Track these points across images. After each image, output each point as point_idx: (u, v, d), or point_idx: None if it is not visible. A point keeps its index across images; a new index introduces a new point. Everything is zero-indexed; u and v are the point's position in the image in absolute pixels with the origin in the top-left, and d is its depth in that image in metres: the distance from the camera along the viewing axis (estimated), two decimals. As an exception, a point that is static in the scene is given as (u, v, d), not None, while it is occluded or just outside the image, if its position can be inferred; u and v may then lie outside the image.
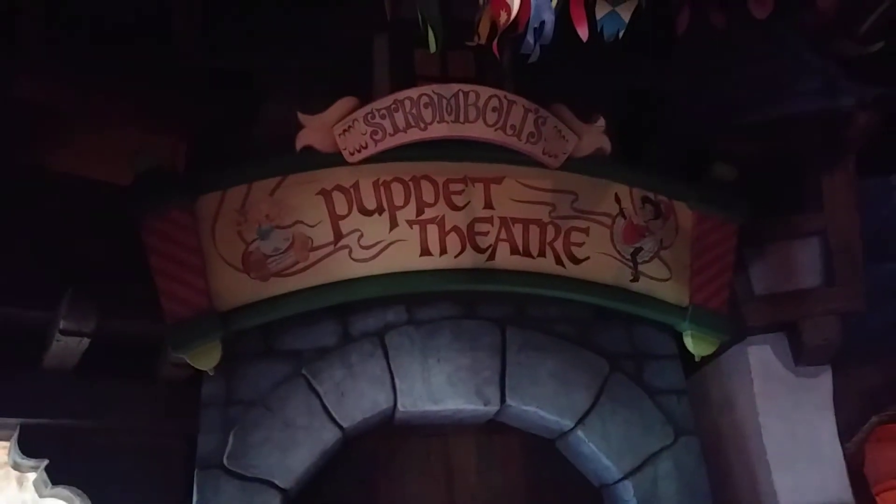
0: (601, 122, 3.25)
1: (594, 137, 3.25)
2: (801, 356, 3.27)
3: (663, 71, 3.68)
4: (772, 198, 3.39)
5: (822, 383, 3.26)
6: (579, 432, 3.17)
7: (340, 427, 3.02)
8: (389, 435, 3.26)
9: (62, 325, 2.59)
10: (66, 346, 2.66)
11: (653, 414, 3.25)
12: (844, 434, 3.18)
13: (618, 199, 3.29)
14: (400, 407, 3.09)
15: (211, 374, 2.86)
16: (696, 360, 3.23)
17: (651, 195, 3.32)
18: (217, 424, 2.95)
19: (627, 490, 3.13)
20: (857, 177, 3.32)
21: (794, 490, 3.13)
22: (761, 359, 3.35)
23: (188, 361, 2.81)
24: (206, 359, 2.82)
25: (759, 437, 3.23)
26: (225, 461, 2.87)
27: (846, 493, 3.10)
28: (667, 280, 3.26)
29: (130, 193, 2.83)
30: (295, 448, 2.95)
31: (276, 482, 2.88)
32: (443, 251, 3.08)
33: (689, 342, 3.21)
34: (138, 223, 2.82)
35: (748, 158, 3.41)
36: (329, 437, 3.00)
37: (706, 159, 3.44)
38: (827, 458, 3.16)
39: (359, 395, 3.08)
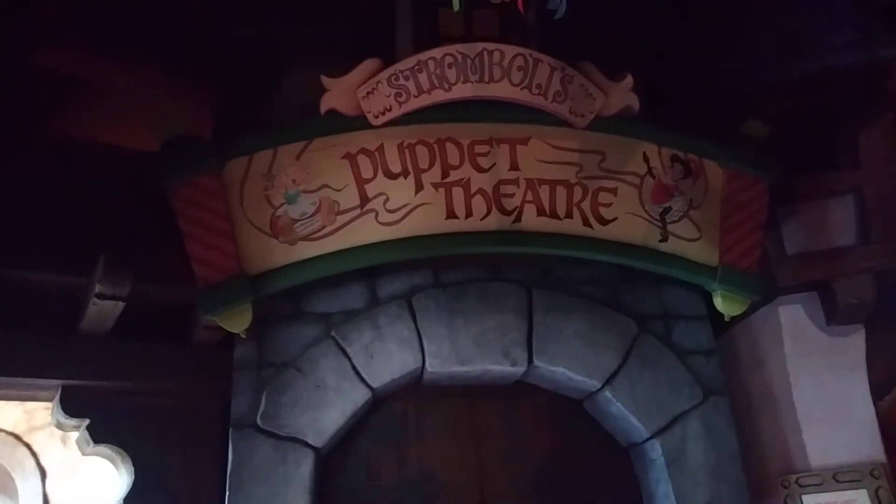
0: (629, 79, 3.18)
1: (622, 96, 3.19)
2: (834, 316, 3.22)
3: (693, 27, 3.57)
4: (805, 155, 3.32)
5: (855, 343, 3.21)
6: (607, 392, 3.18)
7: (370, 387, 3.07)
8: (417, 396, 3.30)
9: (97, 289, 2.67)
10: (102, 309, 2.74)
11: (681, 374, 3.24)
12: (877, 394, 3.14)
13: (646, 159, 3.23)
14: (428, 367, 3.12)
15: (243, 336, 2.91)
16: (726, 319, 3.20)
17: (680, 154, 3.26)
18: (250, 385, 3.01)
19: (655, 449, 3.13)
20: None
21: (824, 449, 3.11)
22: (793, 318, 3.31)
23: (220, 324, 2.86)
24: (238, 322, 2.87)
25: (790, 397, 3.21)
26: (258, 421, 2.94)
27: (878, 451, 3.08)
28: (696, 240, 3.22)
29: (158, 160, 2.86)
30: (326, 408, 3.01)
31: (308, 441, 2.95)
32: (468, 214, 3.07)
33: (718, 302, 3.18)
34: (167, 189, 2.87)
35: (781, 115, 3.32)
36: (359, 397, 3.06)
37: (737, 117, 3.36)
38: (859, 417, 3.13)
39: (387, 356, 3.11)
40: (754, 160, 3.25)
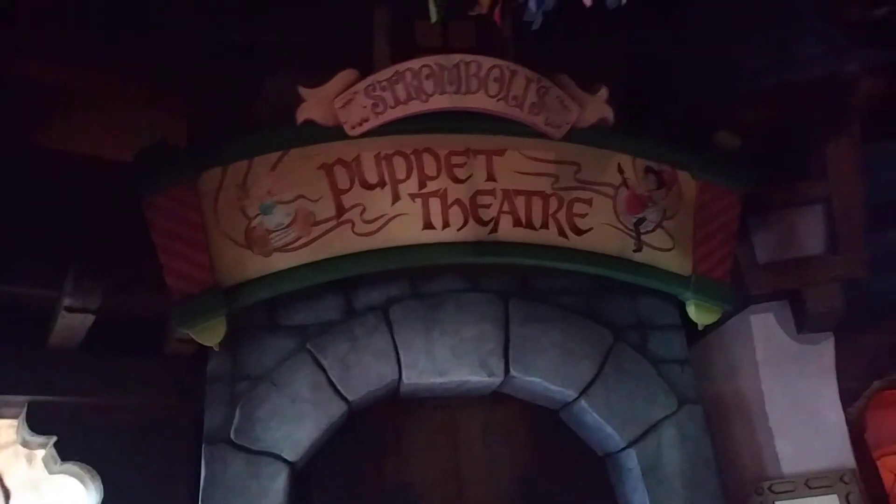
0: (603, 91, 3.21)
1: (597, 107, 3.21)
2: (804, 324, 3.28)
3: (665, 38, 3.63)
4: (775, 165, 3.37)
5: (825, 350, 3.27)
6: (583, 402, 3.19)
7: (346, 400, 3.04)
8: (395, 408, 3.29)
9: (67, 302, 2.61)
10: (71, 323, 2.68)
11: (656, 383, 3.26)
12: (847, 400, 3.20)
13: (620, 170, 3.27)
14: (405, 379, 3.11)
15: (216, 349, 2.87)
16: (699, 328, 3.24)
17: (654, 165, 3.30)
18: (224, 399, 2.97)
19: (631, 458, 3.15)
20: (861, 143, 3.29)
21: (796, 456, 3.16)
22: (764, 327, 3.36)
23: (193, 337, 2.82)
24: (211, 335, 2.83)
25: (762, 405, 3.26)
26: (232, 435, 2.90)
27: (848, 458, 3.13)
28: (670, 250, 3.26)
29: (132, 170, 2.81)
30: (301, 421, 2.97)
31: (284, 455, 2.91)
32: (445, 224, 3.07)
33: (691, 311, 3.22)
34: (141, 200, 2.82)
35: (752, 126, 3.37)
36: (335, 410, 3.03)
37: (709, 128, 3.41)
38: (829, 424, 3.19)
39: (364, 368, 3.09)
40: (726, 171, 3.30)
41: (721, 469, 3.17)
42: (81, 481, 2.95)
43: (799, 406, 3.21)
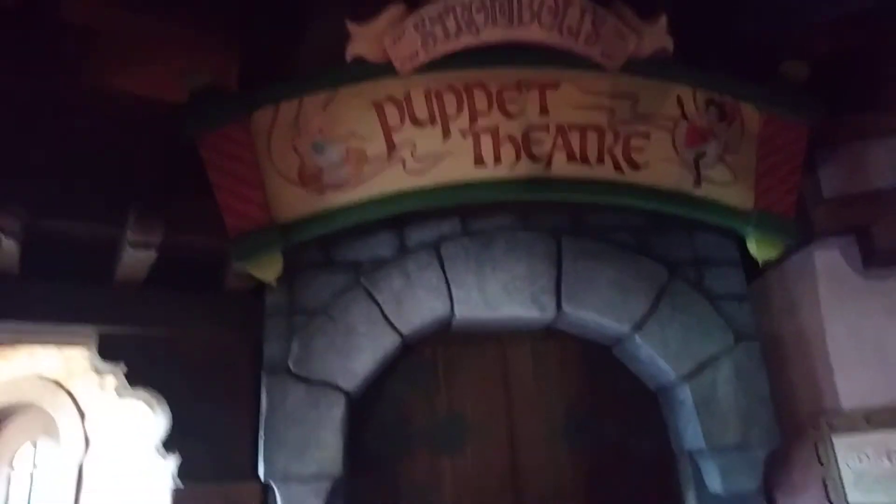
0: (663, 20, 3.07)
1: (656, 37, 3.08)
2: (871, 260, 3.15)
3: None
4: (846, 95, 3.18)
5: (892, 287, 3.15)
6: (637, 337, 3.19)
7: (400, 333, 3.11)
8: (447, 342, 3.35)
9: (130, 237, 2.70)
10: (136, 258, 2.78)
11: (713, 319, 3.23)
12: (914, 339, 3.10)
13: (680, 102, 3.14)
14: (457, 314, 3.15)
15: (274, 285, 2.95)
16: (760, 265, 3.15)
17: (716, 96, 3.16)
18: (282, 332, 3.07)
19: (685, 392, 3.15)
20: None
21: (856, 392, 3.08)
22: (828, 263, 3.23)
23: (251, 273, 2.90)
24: (268, 270, 2.90)
25: (823, 342, 3.17)
26: (291, 366, 3.01)
27: (913, 395, 3.05)
28: (731, 184, 3.15)
29: (186, 110, 2.86)
30: (357, 353, 3.06)
31: (340, 385, 3.01)
32: (497, 161, 3.04)
33: (752, 247, 3.13)
34: (196, 140, 2.87)
35: (822, 56, 3.18)
36: (389, 342, 3.10)
37: (776, 58, 3.23)
38: (893, 359, 3.08)
39: (416, 303, 3.14)
40: (793, 103, 3.14)
41: (778, 404, 3.14)
42: (150, 406, 3.12)
43: (861, 343, 3.11)
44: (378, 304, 3.13)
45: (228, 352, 3.12)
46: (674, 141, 3.13)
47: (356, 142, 2.98)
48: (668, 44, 3.08)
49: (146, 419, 3.50)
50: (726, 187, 3.15)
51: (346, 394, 3.02)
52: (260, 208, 2.88)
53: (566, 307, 3.19)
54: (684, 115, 3.14)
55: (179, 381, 3.02)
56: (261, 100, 2.93)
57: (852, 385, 3.10)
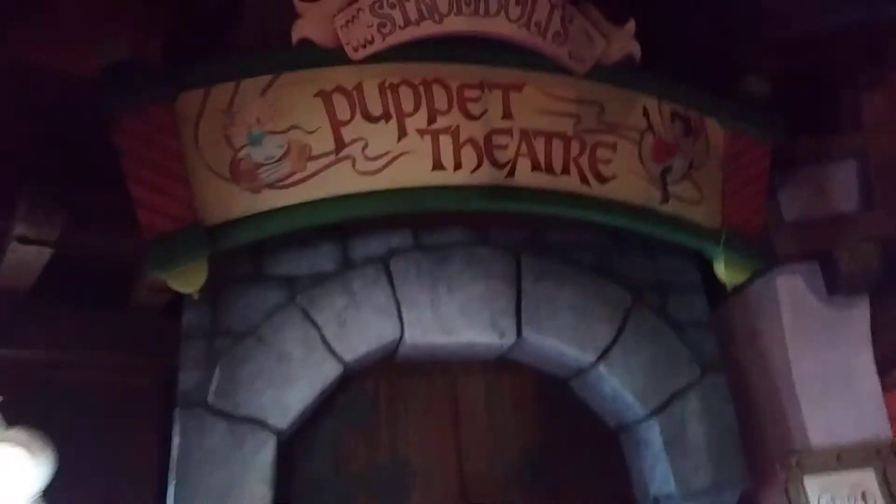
0: (631, 24, 2.93)
1: (624, 42, 2.93)
2: (836, 286, 3.06)
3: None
4: (804, 117, 3.16)
5: (859, 315, 3.06)
6: (601, 368, 2.91)
7: (342, 361, 2.70)
8: (390, 373, 2.96)
9: (19, 230, 2.18)
10: (24, 257, 2.26)
11: (678, 349, 3.00)
12: (883, 368, 3.00)
13: (646, 113, 2.99)
14: (407, 338, 2.77)
15: (196, 297, 2.48)
16: (728, 289, 2.99)
17: (681, 109, 3.04)
18: (201, 358, 2.59)
19: (652, 430, 2.89)
20: (901, 92, 3.10)
21: (826, 427, 2.94)
22: (792, 290, 3.13)
23: (169, 283, 2.43)
24: (191, 280, 2.44)
25: (789, 373, 3.03)
26: (210, 399, 2.53)
27: (884, 430, 2.93)
28: (698, 202, 2.99)
29: (99, 85, 2.41)
30: (290, 384, 2.62)
31: (270, 422, 2.56)
32: (457, 165, 2.74)
33: (720, 269, 2.96)
34: (109, 121, 2.42)
35: (779, 75, 3.15)
36: (329, 371, 2.68)
37: (733, 74, 3.17)
38: (863, 393, 2.98)
39: (362, 325, 2.75)
40: (757, 120, 3.06)
41: (744, 442, 2.93)
42: (29, 450, 2.53)
43: (830, 374, 2.99)
44: (317, 327, 2.71)
45: (133, 381, 2.62)
46: (640, 154, 2.96)
47: (299, 135, 2.61)
48: (636, 50, 2.94)
49: (23, 469, 2.88)
50: (693, 205, 3.00)
51: (277, 433, 2.57)
52: (183, 205, 2.44)
53: (526, 333, 2.88)
54: (650, 128, 2.98)
55: (70, 417, 2.47)
56: (189, 79, 2.52)
57: (822, 421, 2.97)
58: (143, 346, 2.65)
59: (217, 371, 2.57)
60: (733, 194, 3.00)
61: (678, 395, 2.94)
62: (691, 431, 2.89)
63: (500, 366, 3.08)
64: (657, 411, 2.90)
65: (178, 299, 2.60)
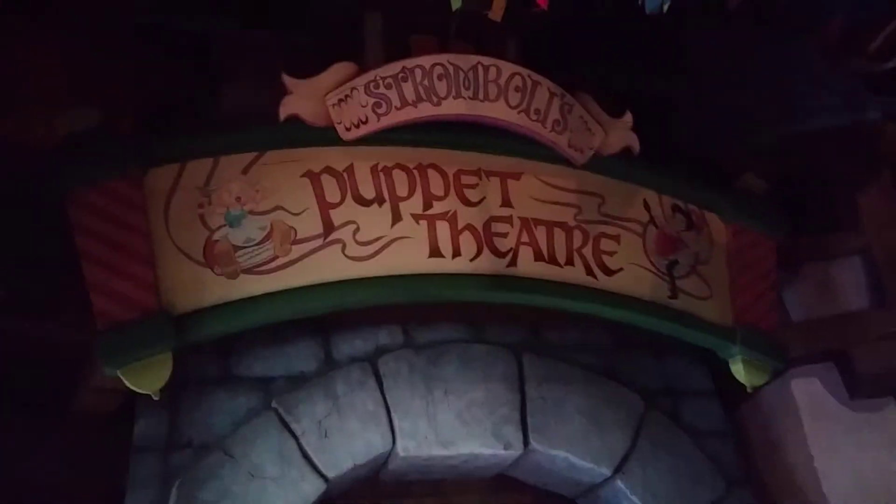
0: (629, 117, 2.84)
1: (622, 134, 2.82)
2: (857, 389, 2.86)
3: (671, 78, 3.37)
4: (803, 217, 3.09)
5: (887, 417, 2.84)
6: (619, 482, 2.57)
7: (324, 477, 2.29)
8: (372, 494, 2.56)
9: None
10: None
11: (699, 460, 2.71)
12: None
13: (647, 206, 2.85)
14: (400, 451, 2.39)
15: (156, 398, 2.08)
16: (749, 391, 2.73)
17: (681, 203, 2.92)
18: (155, 475, 2.17)
19: (681, 558, 2.54)
20: (897, 189, 3.07)
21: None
22: (809, 393, 2.89)
23: (125, 382, 2.03)
24: (151, 378, 2.06)
25: (818, 485, 2.73)
26: (164, 527, 2.09)
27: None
28: (708, 298, 2.81)
29: (57, 154, 2.13)
30: (263, 505, 2.20)
31: (237, 555, 2.12)
32: (456, 253, 2.50)
33: (738, 370, 2.72)
34: (64, 194, 2.11)
35: (774, 176, 3.11)
36: (310, 490, 2.27)
37: (730, 174, 3.11)
38: (902, 501, 2.70)
39: (347, 435, 2.37)
40: (758, 214, 2.96)
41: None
42: None
43: (862, 483, 2.71)
44: (295, 437, 2.32)
45: (69, 505, 2.12)
46: (645, 247, 2.79)
47: (284, 216, 2.34)
48: (634, 143, 2.83)
49: None
50: (703, 301, 2.80)
51: None
52: (146, 291, 2.10)
53: (535, 443, 2.53)
54: (653, 220, 2.84)
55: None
56: (162, 152, 2.26)
57: None
58: (86, 459, 2.19)
59: (174, 492, 2.13)
60: (744, 291, 2.83)
61: (705, 513, 2.61)
62: (725, 560, 2.55)
63: (498, 486, 2.72)
64: (686, 537, 2.55)
65: (128, 406, 2.20)
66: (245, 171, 2.36)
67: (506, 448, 2.50)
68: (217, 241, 2.26)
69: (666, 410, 2.80)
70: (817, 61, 3.25)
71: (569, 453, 2.56)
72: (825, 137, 3.11)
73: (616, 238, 2.76)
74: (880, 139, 3.06)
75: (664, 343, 2.88)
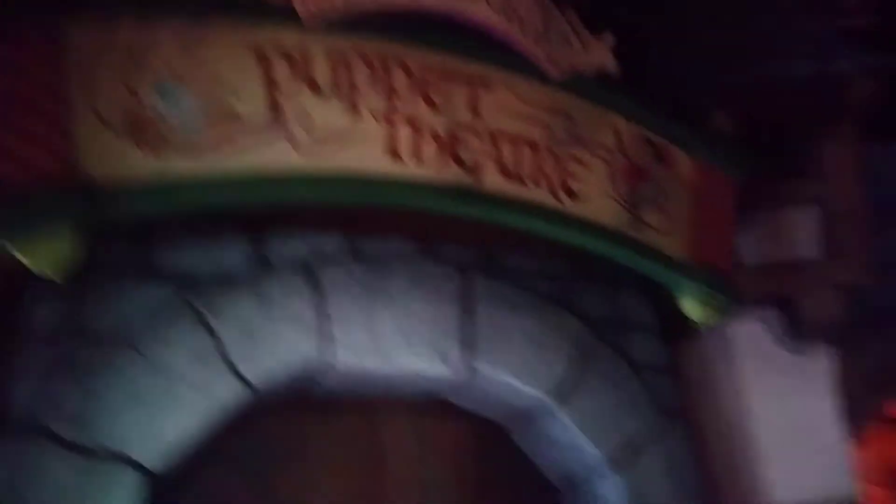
0: (609, 38, 2.66)
1: (600, 54, 2.63)
2: (798, 334, 2.87)
3: (648, 11, 3.21)
4: (765, 161, 3.03)
5: (823, 364, 2.89)
6: (557, 410, 2.51)
7: (246, 382, 2.11)
8: (300, 411, 2.41)
9: None
10: None
11: (640, 394, 2.67)
12: (848, 420, 2.81)
13: (617, 133, 2.70)
14: (336, 361, 2.23)
15: (57, 280, 1.81)
16: (700, 328, 2.70)
17: (651, 135, 2.80)
18: (45, 368, 1.93)
19: (609, 485, 2.53)
20: (863, 144, 3.03)
21: (789, 485, 2.70)
22: (749, 336, 2.90)
23: (17, 255, 1.76)
24: (51, 255, 1.78)
25: (748, 426, 2.77)
26: (54, 425, 1.88)
27: (849, 485, 2.74)
28: (668, 233, 2.71)
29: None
30: (174, 409, 2.02)
31: (138, 459, 1.94)
32: (417, 158, 2.28)
33: (690, 307, 2.67)
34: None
35: (742, 118, 3.03)
36: (228, 395, 2.09)
37: (699, 112, 3.01)
38: (828, 447, 2.77)
39: (277, 342, 2.18)
40: (726, 154, 2.87)
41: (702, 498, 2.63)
42: None
43: (792, 427, 2.77)
44: (217, 338, 2.11)
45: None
46: (611, 175, 2.65)
47: (224, 94, 2.06)
48: (612, 64, 2.67)
49: None
50: (664, 236, 2.71)
51: (147, 473, 1.95)
52: (54, 157, 1.80)
53: (478, 364, 2.42)
54: (621, 149, 2.70)
55: None
56: (90, 5, 1.94)
57: (785, 476, 2.73)
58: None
59: (69, 388, 1.91)
60: (704, 229, 2.74)
61: (639, 445, 2.59)
62: (654, 489, 2.54)
63: (431, 408, 2.60)
64: (616, 463, 2.53)
65: (18, 285, 1.95)
66: (183, 38, 2.04)
67: (448, 366, 2.38)
68: (145, 113, 1.96)
69: (610, 341, 2.73)
70: (794, 9, 3.20)
71: (511, 377, 2.47)
72: (793, 84, 3.05)
73: (583, 162, 2.59)
74: (848, 93, 3.01)
75: (615, 275, 2.79)
